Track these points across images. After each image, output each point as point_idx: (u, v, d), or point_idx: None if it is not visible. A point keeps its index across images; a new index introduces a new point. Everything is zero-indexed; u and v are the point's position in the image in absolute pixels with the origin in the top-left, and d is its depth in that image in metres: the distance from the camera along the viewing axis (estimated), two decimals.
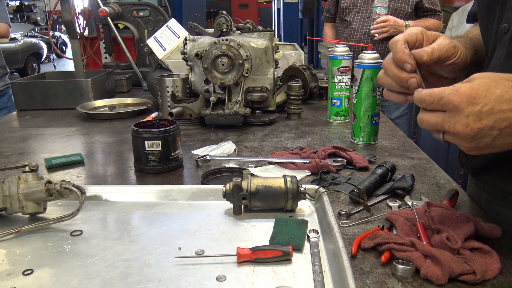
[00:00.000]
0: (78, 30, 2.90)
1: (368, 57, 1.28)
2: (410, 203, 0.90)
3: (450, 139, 0.62)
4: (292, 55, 2.21)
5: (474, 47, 0.86)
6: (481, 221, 0.80)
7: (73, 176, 1.15)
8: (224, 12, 1.65)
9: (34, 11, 16.42)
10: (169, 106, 1.59)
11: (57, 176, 1.15)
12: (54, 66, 12.63)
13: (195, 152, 1.26)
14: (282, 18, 9.30)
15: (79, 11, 2.93)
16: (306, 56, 8.37)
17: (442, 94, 0.59)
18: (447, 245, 0.70)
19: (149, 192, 0.97)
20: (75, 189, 0.84)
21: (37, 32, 14.52)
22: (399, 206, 0.90)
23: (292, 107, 1.67)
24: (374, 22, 2.49)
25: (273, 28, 12.23)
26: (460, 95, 0.57)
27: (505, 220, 0.84)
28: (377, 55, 1.29)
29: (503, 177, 0.81)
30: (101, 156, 1.36)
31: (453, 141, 0.62)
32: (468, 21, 1.03)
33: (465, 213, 0.83)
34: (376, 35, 2.52)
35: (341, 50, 1.55)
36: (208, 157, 1.19)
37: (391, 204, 0.92)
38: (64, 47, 13.72)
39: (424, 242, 0.72)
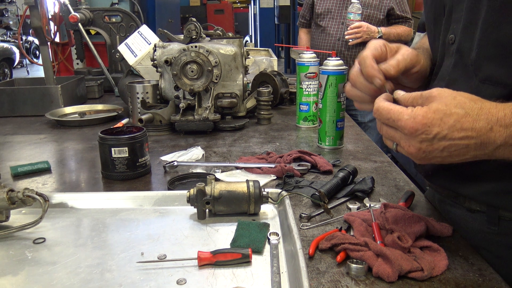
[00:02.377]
0: (49, 36, 2.87)
1: (333, 63, 1.32)
2: (368, 205, 0.94)
3: (402, 152, 0.67)
4: (263, 61, 2.25)
5: (430, 57, 0.91)
6: (433, 221, 0.85)
7: (39, 184, 1.15)
8: (194, 19, 1.67)
9: (6, 15, 16.06)
10: (139, 113, 1.59)
11: (23, 184, 1.15)
12: (27, 71, 12.37)
13: (163, 158, 1.27)
14: (258, 23, 9.36)
15: (50, 17, 2.90)
16: (283, 61, 8.46)
17: (400, 116, 0.63)
18: (399, 244, 0.73)
19: (114, 199, 0.98)
20: (38, 197, 0.84)
21: (10, 36, 14.20)
22: (358, 208, 0.94)
23: (262, 112, 1.70)
24: (348, 28, 2.55)
25: (250, 33, 12.31)
26: (416, 123, 0.61)
27: (456, 218, 0.89)
28: (341, 61, 1.33)
29: (453, 179, 0.85)
30: (69, 163, 1.36)
31: (405, 154, 0.66)
32: (419, 30, 1.08)
33: (420, 213, 0.87)
34: (350, 40, 2.58)
35: (308, 56, 1.59)
36: (175, 163, 1.20)
37: (350, 206, 0.95)
38: (37, 52, 13.45)
39: (378, 242, 0.76)
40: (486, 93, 0.71)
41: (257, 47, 6.74)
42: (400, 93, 0.69)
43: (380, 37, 2.56)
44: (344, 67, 1.33)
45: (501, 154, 0.61)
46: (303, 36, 3.02)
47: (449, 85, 0.77)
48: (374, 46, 0.78)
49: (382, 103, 0.67)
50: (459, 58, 0.78)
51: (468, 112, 0.60)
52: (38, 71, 12.06)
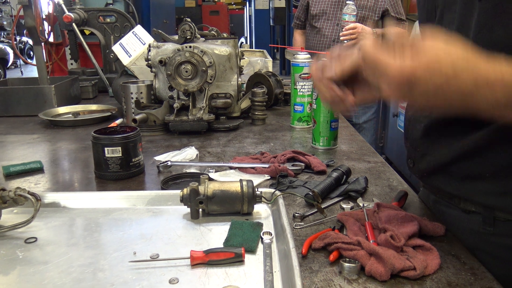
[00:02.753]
0: (43, 36, 2.86)
1: None
2: (361, 205, 0.94)
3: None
4: (258, 62, 2.25)
5: None
6: (426, 220, 0.85)
7: (31, 183, 1.14)
8: (188, 20, 1.67)
9: (0, 15, 15.97)
10: (133, 113, 1.59)
11: (15, 184, 1.14)
12: (21, 72, 12.30)
13: (157, 158, 1.27)
14: (253, 25, 9.37)
15: (44, 17, 2.89)
16: (278, 63, 8.47)
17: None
18: (391, 243, 0.73)
19: (107, 198, 0.98)
20: (29, 196, 0.84)
21: (3, 37, 14.12)
22: (351, 208, 0.94)
23: (256, 113, 1.70)
24: (343, 29, 2.56)
25: (245, 35, 12.32)
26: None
27: (451, 219, 0.89)
28: None
29: (447, 180, 0.85)
30: (63, 163, 1.35)
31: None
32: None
33: (413, 213, 0.87)
34: (345, 41, 2.59)
35: (302, 57, 1.59)
36: (169, 163, 1.20)
37: (344, 206, 0.95)
38: (32, 53, 13.37)
39: (371, 241, 0.76)
40: None
41: (252, 48, 6.75)
42: None
43: None
44: None
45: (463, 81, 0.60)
46: (298, 37, 3.03)
47: None
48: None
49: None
50: None
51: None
52: (32, 72, 11.99)
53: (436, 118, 0.84)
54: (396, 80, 0.61)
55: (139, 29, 2.01)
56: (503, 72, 0.60)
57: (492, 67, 0.60)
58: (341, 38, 2.58)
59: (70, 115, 1.87)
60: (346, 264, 0.70)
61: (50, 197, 0.97)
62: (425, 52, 0.60)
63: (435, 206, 0.96)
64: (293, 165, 1.17)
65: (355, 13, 2.54)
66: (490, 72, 0.60)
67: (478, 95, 0.61)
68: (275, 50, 9.68)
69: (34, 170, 1.22)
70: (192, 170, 1.18)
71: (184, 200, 0.89)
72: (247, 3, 12.01)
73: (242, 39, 11.71)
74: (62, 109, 1.93)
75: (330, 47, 2.65)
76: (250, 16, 10.94)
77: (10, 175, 1.19)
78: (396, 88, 0.62)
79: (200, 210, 0.91)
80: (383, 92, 0.64)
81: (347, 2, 2.52)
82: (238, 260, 0.73)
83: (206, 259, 0.73)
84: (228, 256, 0.73)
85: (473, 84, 0.60)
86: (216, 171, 1.17)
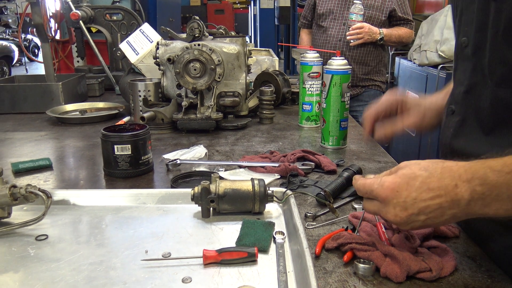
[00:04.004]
0: (49, 34, 2.86)
1: (337, 63, 1.32)
2: None
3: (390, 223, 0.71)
4: (266, 60, 2.24)
5: (438, 115, 0.96)
6: None
7: (41, 180, 1.14)
8: (197, 17, 1.66)
9: (5, 13, 16.02)
10: (141, 111, 1.58)
11: (24, 181, 1.14)
12: (26, 69, 12.32)
13: (166, 156, 1.27)
14: (258, 24, 9.36)
15: (51, 14, 2.89)
16: (282, 62, 8.45)
17: (371, 187, 0.66)
18: (407, 244, 0.72)
19: (117, 196, 0.97)
20: (40, 193, 0.83)
21: (8, 34, 14.15)
22: (363, 208, 0.93)
23: (264, 111, 1.70)
24: (350, 29, 2.55)
25: (250, 34, 12.31)
26: (385, 189, 0.64)
27: (484, 230, 0.82)
28: (345, 61, 1.32)
29: None
30: (71, 160, 1.34)
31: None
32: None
33: None
34: (352, 41, 2.57)
35: (311, 56, 1.58)
36: (178, 161, 1.19)
37: (356, 205, 0.94)
38: (36, 50, 13.41)
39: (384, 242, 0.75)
40: (503, 97, 0.70)
41: (257, 47, 6.74)
42: (370, 176, 0.70)
43: (381, 38, 2.55)
44: (348, 66, 1.32)
45: (476, 209, 0.60)
46: (304, 36, 3.02)
47: (469, 90, 0.78)
48: (383, 101, 1.01)
49: (358, 180, 0.70)
50: (476, 62, 0.76)
51: (432, 173, 0.62)
52: (36, 69, 12.03)
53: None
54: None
55: (146, 27, 2.00)
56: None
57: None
58: (348, 37, 2.56)
59: (77, 113, 1.87)
60: (361, 265, 0.70)
61: (60, 194, 0.96)
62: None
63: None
64: (303, 165, 1.16)
65: (362, 12, 2.53)
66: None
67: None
68: (280, 50, 9.66)
69: (43, 167, 1.22)
70: (202, 168, 1.17)
71: (195, 198, 0.88)
72: (252, 2, 11.98)
73: (247, 38, 11.70)
74: (69, 107, 1.93)
75: (336, 46, 2.63)
76: (254, 15, 10.92)
77: (19, 172, 1.19)
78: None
79: (211, 209, 0.90)
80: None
81: (355, 1, 2.51)
82: (251, 259, 0.73)
83: (219, 259, 0.72)
84: (241, 255, 0.72)
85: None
86: (225, 170, 1.16)
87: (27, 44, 12.97)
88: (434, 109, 0.98)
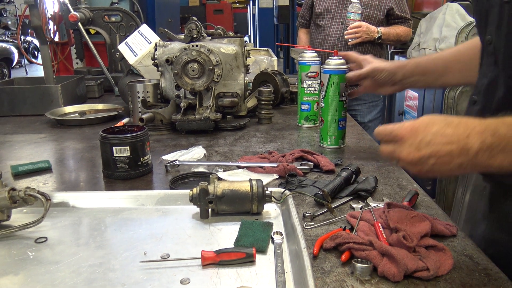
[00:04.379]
0: (48, 36, 2.86)
1: (335, 62, 1.32)
2: (371, 205, 0.93)
3: (401, 165, 0.74)
4: (264, 60, 2.24)
5: (421, 68, 1.12)
6: (438, 220, 0.84)
7: (40, 183, 1.14)
8: (195, 18, 1.66)
9: (5, 15, 16.01)
10: (140, 112, 1.59)
11: (24, 183, 1.14)
12: (26, 71, 12.34)
13: (164, 157, 1.27)
14: (257, 23, 9.36)
15: (49, 16, 2.89)
16: (282, 61, 8.45)
17: (392, 128, 0.73)
18: (404, 243, 0.73)
19: (116, 198, 0.97)
20: (39, 195, 0.84)
21: (8, 36, 14.16)
22: (361, 207, 0.93)
23: (263, 112, 1.70)
24: (348, 28, 2.55)
25: (249, 33, 12.30)
26: (404, 129, 0.71)
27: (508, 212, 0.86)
28: (343, 60, 1.33)
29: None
30: (70, 162, 1.35)
31: (403, 167, 0.74)
32: None
33: (423, 212, 0.87)
34: (350, 40, 2.58)
35: (309, 56, 1.59)
36: (177, 162, 1.19)
37: (354, 205, 0.95)
38: (36, 52, 13.43)
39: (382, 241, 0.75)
40: None
41: (256, 47, 6.74)
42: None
43: (379, 37, 2.55)
44: (346, 66, 1.32)
45: (483, 160, 0.65)
46: (302, 36, 3.02)
47: (490, 82, 0.83)
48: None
49: (380, 127, 0.77)
50: (496, 57, 0.82)
51: (449, 123, 0.68)
52: (36, 71, 12.04)
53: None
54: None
55: (144, 28, 2.00)
56: None
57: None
58: (346, 36, 2.57)
59: (77, 115, 1.87)
60: (359, 265, 0.70)
61: (59, 196, 0.97)
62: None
63: (492, 197, 0.93)
64: (301, 165, 1.16)
65: (360, 11, 2.53)
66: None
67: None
68: (279, 49, 9.66)
69: (43, 169, 1.22)
70: (200, 169, 1.18)
71: (193, 199, 0.89)
72: (251, 1, 11.99)
73: (246, 38, 11.70)
74: (68, 109, 1.93)
75: (334, 45, 2.63)
76: (253, 14, 10.92)
77: (19, 174, 1.19)
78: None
79: (210, 209, 0.90)
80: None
81: (352, 0, 2.51)
82: (249, 260, 0.73)
83: (217, 259, 0.72)
84: (239, 256, 0.73)
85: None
86: (224, 171, 1.16)
87: (26, 46, 12.99)
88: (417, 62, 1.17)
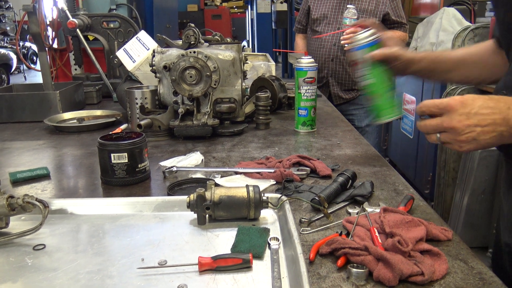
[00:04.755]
0: (47, 42, 2.87)
1: (364, 36, 1.26)
2: (367, 210, 0.94)
3: (445, 137, 0.81)
4: (262, 66, 2.26)
5: (433, 64, 1.17)
6: (433, 225, 0.85)
7: (38, 190, 1.15)
8: (192, 25, 1.67)
9: (3, 21, 16.03)
10: (138, 118, 1.60)
11: (22, 190, 1.15)
12: (25, 77, 12.35)
13: (162, 163, 1.27)
14: (255, 28, 9.39)
15: (48, 23, 2.90)
16: (280, 66, 8.48)
17: (442, 101, 0.80)
18: (399, 248, 0.73)
19: (114, 205, 0.98)
20: (37, 203, 0.84)
21: (7, 42, 14.18)
22: (357, 213, 0.94)
23: (260, 117, 1.71)
24: (344, 33, 2.56)
25: (247, 38, 12.34)
26: (455, 100, 0.79)
27: None
28: (370, 32, 1.26)
29: None
30: (69, 169, 1.35)
31: (447, 139, 0.80)
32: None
33: (419, 217, 0.87)
34: (346, 45, 2.59)
35: (306, 61, 1.60)
36: (175, 169, 1.20)
37: (350, 210, 0.95)
38: (35, 58, 13.43)
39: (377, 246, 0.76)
40: None
41: (254, 52, 6.75)
42: None
43: None
44: (375, 36, 1.25)
45: None
46: (299, 41, 3.03)
47: None
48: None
49: (427, 101, 0.83)
50: None
51: (491, 98, 0.79)
52: (35, 77, 12.05)
53: None
54: None
55: (143, 34, 2.02)
56: None
57: None
58: (342, 42, 2.58)
59: (75, 121, 1.88)
60: (354, 270, 0.71)
61: (58, 203, 0.97)
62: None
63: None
64: (298, 170, 1.17)
65: (355, 17, 2.54)
66: None
67: None
68: (277, 54, 9.69)
69: (41, 176, 1.23)
70: (198, 175, 1.18)
71: (191, 206, 0.89)
72: (249, 6, 12.03)
73: (244, 43, 11.72)
74: (67, 115, 1.94)
75: (331, 51, 2.65)
76: (252, 19, 10.95)
77: (17, 181, 1.20)
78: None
79: (207, 216, 0.91)
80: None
81: (348, 6, 2.53)
82: (246, 266, 0.74)
83: (214, 265, 0.73)
84: (236, 262, 0.73)
85: None
86: (221, 176, 1.17)
87: (25, 52, 13.00)
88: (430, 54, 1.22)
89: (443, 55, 1.23)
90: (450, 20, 3.23)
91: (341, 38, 2.58)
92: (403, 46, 1.24)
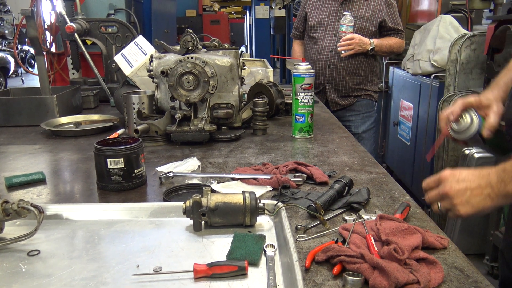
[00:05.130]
0: (45, 46, 2.87)
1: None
2: (364, 217, 0.94)
3: (443, 204, 0.88)
4: (259, 71, 2.26)
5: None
6: (429, 233, 0.85)
7: (34, 195, 1.14)
8: (190, 30, 1.68)
9: (2, 24, 16.05)
10: (135, 123, 1.59)
11: (18, 195, 1.14)
12: (22, 80, 12.34)
13: (159, 169, 1.27)
14: (254, 34, 9.42)
15: (46, 27, 2.90)
16: (278, 71, 8.50)
17: (437, 175, 0.90)
18: (395, 256, 0.73)
19: (110, 210, 0.98)
20: (32, 208, 0.84)
21: (5, 46, 14.18)
22: (354, 220, 0.94)
23: (258, 123, 1.71)
24: (341, 40, 2.57)
25: (246, 44, 12.37)
26: (446, 172, 0.88)
27: None
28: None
29: None
30: (64, 174, 1.35)
31: (446, 205, 0.87)
32: None
33: (415, 225, 0.87)
34: (343, 52, 2.60)
35: (303, 67, 1.60)
36: (171, 174, 1.20)
37: (346, 217, 0.95)
38: (33, 61, 13.41)
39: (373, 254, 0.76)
40: None
41: (252, 57, 6.77)
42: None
43: (372, 49, 2.57)
44: (475, 115, 1.13)
45: (501, 189, 0.82)
46: (296, 47, 3.04)
47: None
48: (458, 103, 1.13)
49: (426, 179, 0.92)
50: None
51: (475, 169, 0.88)
52: (33, 80, 12.03)
53: None
54: None
55: (141, 39, 2.02)
56: None
57: None
58: (339, 49, 2.59)
59: (72, 125, 1.88)
60: (350, 278, 0.70)
61: (53, 209, 0.97)
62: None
63: None
64: (295, 176, 1.17)
65: (352, 23, 2.55)
66: None
67: None
68: (275, 59, 9.72)
69: (37, 181, 1.22)
70: (194, 181, 1.18)
71: (187, 212, 0.89)
72: (248, 12, 12.08)
73: (243, 48, 11.77)
74: (64, 119, 1.93)
75: (328, 57, 2.66)
76: (250, 25, 10.99)
77: (13, 186, 1.19)
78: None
79: (203, 222, 0.91)
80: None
81: (345, 13, 2.54)
82: (241, 273, 0.73)
83: (210, 273, 0.72)
84: (231, 269, 0.73)
85: None
86: (218, 182, 1.17)
87: (23, 55, 12.98)
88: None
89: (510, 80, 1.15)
90: (447, 28, 3.25)
91: (338, 45, 2.59)
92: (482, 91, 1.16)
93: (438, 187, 0.89)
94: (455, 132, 1.14)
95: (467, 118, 1.11)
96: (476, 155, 2.54)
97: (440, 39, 3.23)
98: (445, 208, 0.88)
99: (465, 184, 0.86)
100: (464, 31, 3.17)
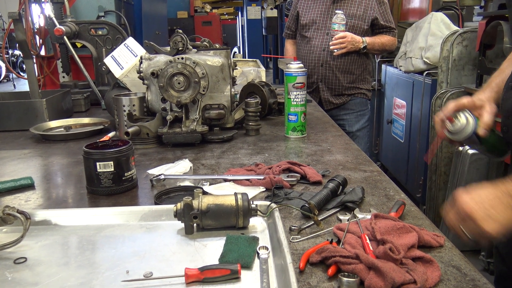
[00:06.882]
0: (34, 50, 2.84)
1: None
2: (358, 216, 0.92)
3: (466, 227, 0.85)
4: (251, 71, 2.24)
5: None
6: (425, 231, 0.84)
7: (22, 200, 1.12)
8: (180, 31, 1.66)
9: None
10: (126, 125, 1.57)
11: (5, 201, 1.11)
12: (14, 85, 12.21)
13: (150, 171, 1.25)
14: (246, 34, 9.41)
15: (35, 30, 2.87)
16: (271, 71, 8.49)
17: (451, 198, 0.88)
18: (390, 256, 0.72)
19: (99, 215, 0.95)
20: (18, 215, 0.82)
21: None
22: (348, 219, 0.92)
23: (250, 123, 1.69)
24: (333, 39, 2.56)
25: (238, 45, 12.36)
26: (458, 191, 0.87)
27: None
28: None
29: None
30: (54, 178, 1.32)
31: (469, 227, 0.84)
32: None
33: (411, 223, 0.86)
34: (335, 50, 2.59)
35: (295, 66, 1.59)
36: (163, 177, 1.18)
37: (341, 217, 0.94)
38: (24, 66, 13.33)
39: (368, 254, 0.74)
40: None
41: (245, 58, 6.75)
42: None
43: (364, 47, 2.57)
44: (470, 115, 1.11)
45: None
46: (289, 47, 3.03)
47: None
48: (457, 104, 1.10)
49: (442, 206, 0.92)
50: None
51: (487, 183, 0.86)
52: (24, 85, 11.91)
53: None
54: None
55: (131, 41, 1.99)
56: None
57: None
58: (331, 47, 2.58)
59: (62, 129, 1.85)
60: (345, 279, 0.69)
61: (41, 214, 0.94)
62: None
63: None
64: (288, 176, 1.15)
65: (344, 22, 2.55)
66: None
67: None
68: (268, 59, 9.71)
69: (25, 186, 1.20)
70: (186, 183, 1.16)
71: (178, 215, 0.87)
72: (240, 13, 12.06)
73: (235, 49, 11.75)
74: (53, 123, 1.90)
75: (320, 56, 2.65)
76: (242, 26, 10.97)
77: (0, 192, 1.16)
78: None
79: (195, 225, 0.89)
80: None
81: (336, 11, 2.53)
82: (234, 277, 0.71)
83: (201, 277, 0.71)
84: (223, 273, 0.71)
85: None
86: (210, 184, 1.15)
87: (14, 60, 12.87)
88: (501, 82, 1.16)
89: (502, 78, 1.15)
90: (439, 25, 3.25)
91: (330, 43, 2.58)
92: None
93: (454, 210, 0.87)
94: (452, 134, 1.12)
95: (462, 119, 1.09)
96: (470, 152, 2.54)
97: (431, 36, 3.23)
98: (469, 230, 0.84)
99: (480, 198, 0.84)
100: (455, 28, 3.17)
